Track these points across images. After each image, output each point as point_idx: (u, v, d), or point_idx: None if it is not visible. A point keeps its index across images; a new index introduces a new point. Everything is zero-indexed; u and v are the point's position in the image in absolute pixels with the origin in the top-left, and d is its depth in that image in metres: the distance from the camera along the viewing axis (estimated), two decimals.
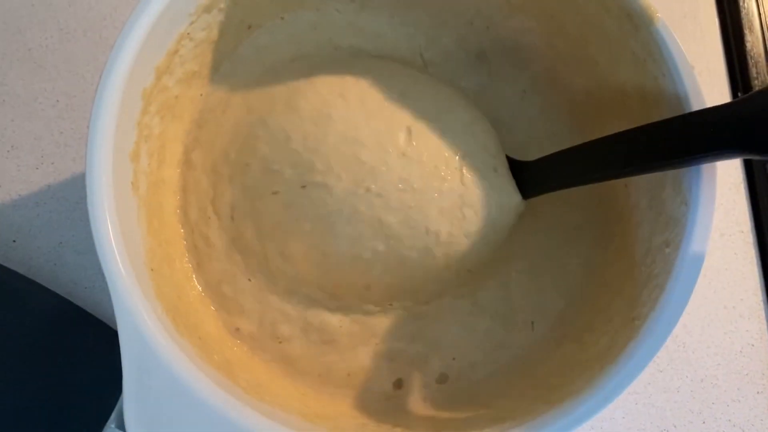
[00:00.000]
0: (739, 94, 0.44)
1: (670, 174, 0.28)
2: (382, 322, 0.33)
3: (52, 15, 0.41)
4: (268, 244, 0.31)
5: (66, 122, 0.40)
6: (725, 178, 0.43)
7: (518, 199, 0.32)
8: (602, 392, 0.24)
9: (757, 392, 0.39)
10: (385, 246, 0.30)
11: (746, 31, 0.45)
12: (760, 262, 0.42)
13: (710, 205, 0.25)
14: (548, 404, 0.24)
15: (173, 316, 0.26)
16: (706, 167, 0.26)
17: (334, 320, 0.32)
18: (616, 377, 0.24)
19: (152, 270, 0.26)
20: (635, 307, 0.26)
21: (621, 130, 0.27)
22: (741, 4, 0.45)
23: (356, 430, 0.27)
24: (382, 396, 0.31)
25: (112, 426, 0.34)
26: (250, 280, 0.32)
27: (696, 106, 0.26)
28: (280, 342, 0.32)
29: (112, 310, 0.24)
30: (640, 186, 0.30)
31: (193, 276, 0.32)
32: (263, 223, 0.31)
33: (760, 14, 0.45)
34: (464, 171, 0.31)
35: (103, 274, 0.23)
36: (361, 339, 0.32)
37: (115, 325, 0.23)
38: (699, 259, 0.25)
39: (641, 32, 0.28)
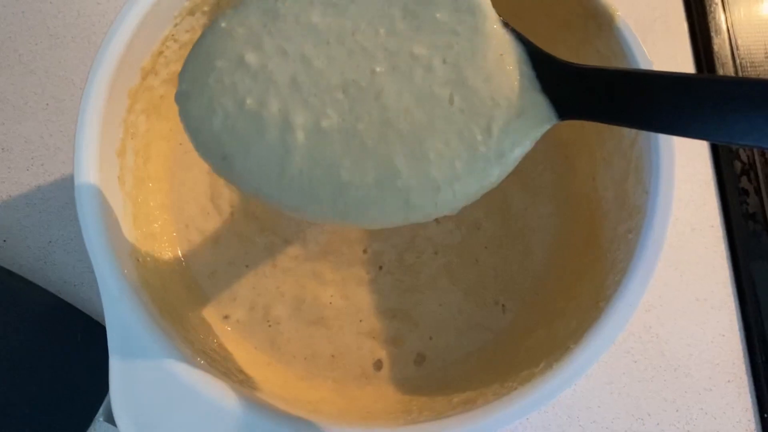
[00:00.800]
0: None
1: (632, 165, 0.29)
2: (367, 297, 0.34)
3: (42, 21, 0.43)
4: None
5: (55, 125, 0.41)
6: (696, 176, 0.45)
7: (545, 128, 0.22)
8: (568, 371, 0.25)
9: (728, 381, 0.40)
10: None
11: (713, 34, 0.46)
12: (729, 256, 0.43)
13: (669, 191, 0.26)
14: (517, 382, 0.25)
15: (160, 306, 0.26)
16: (664, 156, 0.27)
17: (326, 295, 0.34)
18: (580, 357, 0.25)
19: (138, 261, 0.27)
20: (601, 291, 0.28)
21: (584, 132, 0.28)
22: (708, 8, 0.47)
23: (335, 414, 0.27)
24: (362, 379, 0.32)
25: (101, 419, 0.35)
26: (247, 266, 0.33)
27: None
28: (269, 325, 0.33)
29: (101, 306, 0.24)
30: (606, 179, 0.32)
31: (183, 267, 0.33)
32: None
33: (726, 18, 0.47)
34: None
35: (91, 273, 0.24)
36: (347, 317, 0.34)
37: (104, 321, 0.24)
38: (659, 242, 0.26)
39: (604, 31, 0.29)
